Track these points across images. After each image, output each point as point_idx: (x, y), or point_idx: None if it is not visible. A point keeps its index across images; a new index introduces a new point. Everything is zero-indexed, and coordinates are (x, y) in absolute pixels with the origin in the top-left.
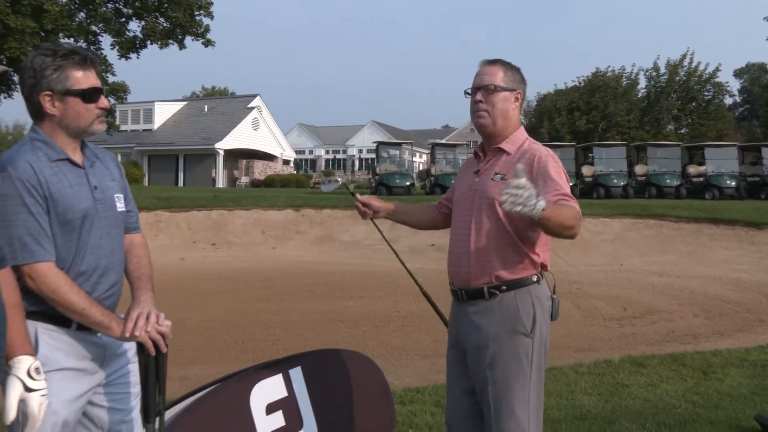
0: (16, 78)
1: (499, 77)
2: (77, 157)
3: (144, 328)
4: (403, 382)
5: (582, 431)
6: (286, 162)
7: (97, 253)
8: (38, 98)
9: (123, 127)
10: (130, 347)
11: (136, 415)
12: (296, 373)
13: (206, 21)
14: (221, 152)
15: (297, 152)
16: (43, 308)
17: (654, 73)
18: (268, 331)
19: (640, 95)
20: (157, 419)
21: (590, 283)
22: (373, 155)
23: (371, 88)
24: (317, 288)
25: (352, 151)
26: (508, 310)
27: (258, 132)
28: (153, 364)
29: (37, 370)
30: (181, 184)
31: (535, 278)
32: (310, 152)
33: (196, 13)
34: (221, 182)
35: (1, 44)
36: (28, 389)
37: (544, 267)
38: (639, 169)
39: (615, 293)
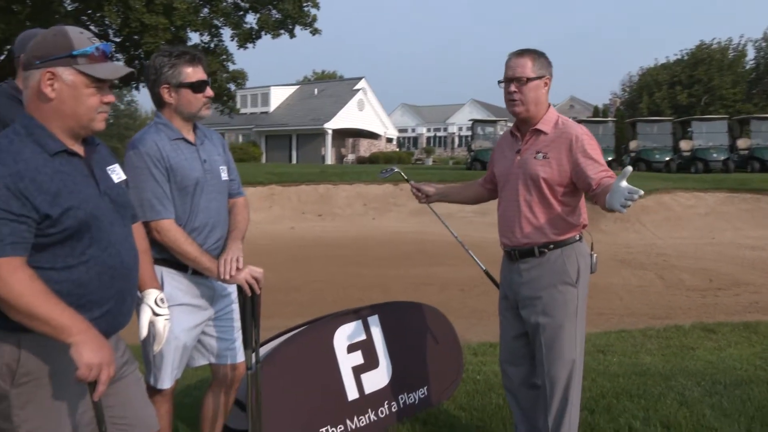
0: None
1: (528, 68)
2: (190, 137)
3: (235, 271)
4: (480, 338)
5: (637, 384)
6: (389, 140)
7: (206, 213)
8: (159, 90)
9: (243, 111)
10: (233, 290)
11: (239, 344)
12: (374, 320)
13: (313, 11)
14: (330, 132)
15: (400, 131)
16: (166, 256)
17: (764, 44)
18: (364, 292)
19: (748, 67)
20: (254, 347)
21: (678, 255)
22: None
23: (472, 67)
24: (411, 255)
25: (453, 129)
26: (555, 265)
27: (363, 112)
28: (249, 303)
29: (162, 300)
30: (294, 161)
31: (577, 237)
32: (413, 130)
33: (305, 4)
34: (330, 159)
35: (139, 40)
36: (155, 314)
37: (584, 227)
38: (742, 143)
39: (702, 266)
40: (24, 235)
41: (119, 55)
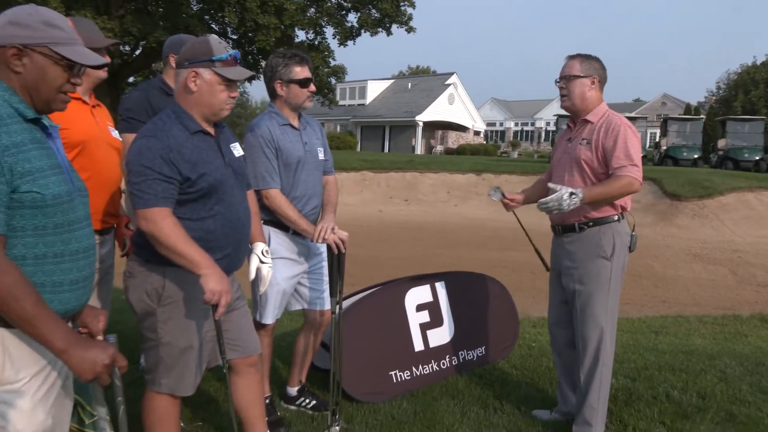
0: (261, 66)
1: (576, 68)
2: (296, 123)
3: (329, 234)
4: (542, 314)
5: (682, 360)
6: (476, 133)
7: (305, 185)
8: (273, 85)
9: (341, 102)
10: (324, 250)
11: (326, 295)
12: (441, 285)
13: (410, 10)
14: (420, 124)
15: (488, 124)
16: (273, 218)
17: None
18: (440, 270)
19: None
20: (338, 297)
21: (755, 253)
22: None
23: (560, 64)
24: (488, 240)
25: (540, 124)
26: (593, 240)
27: (453, 106)
28: (336, 260)
29: (266, 251)
30: (386, 150)
31: (615, 217)
32: (501, 124)
33: (402, 3)
34: (419, 150)
35: (252, 37)
36: (261, 261)
37: (624, 209)
38: None
39: None
40: (171, 192)
41: (236, 51)
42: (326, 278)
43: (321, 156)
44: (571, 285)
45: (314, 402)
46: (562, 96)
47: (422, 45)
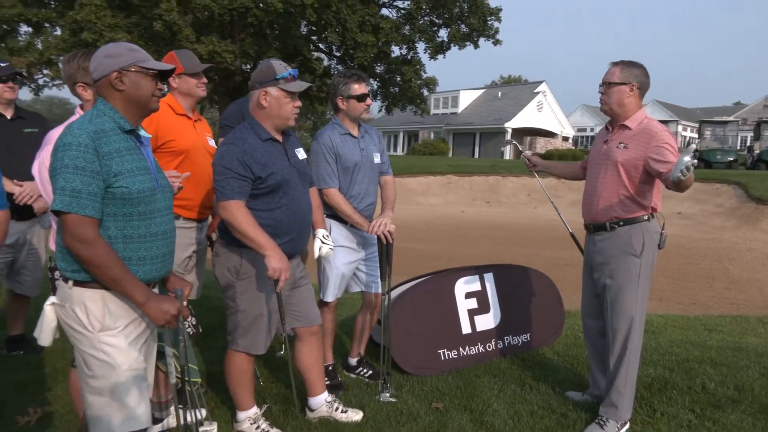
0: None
1: (615, 75)
2: (355, 132)
3: (380, 228)
4: None
5: (726, 356)
6: (565, 138)
7: (361, 185)
8: (335, 100)
9: (434, 111)
10: (376, 241)
11: (378, 279)
12: (489, 276)
13: (496, 24)
14: (509, 130)
15: (579, 130)
16: (333, 213)
17: None
18: None
19: None
20: (387, 280)
21: None
22: None
23: (654, 68)
24: (562, 240)
25: None
26: (623, 238)
27: (541, 113)
28: (385, 249)
29: (326, 235)
30: (476, 156)
31: (645, 217)
32: (591, 130)
33: (488, 18)
34: (508, 155)
35: (353, 55)
36: (323, 243)
37: (654, 209)
38: None
39: None
40: (245, 188)
41: (339, 66)
42: (377, 265)
43: (377, 160)
44: (602, 279)
45: (371, 372)
46: (600, 101)
47: (515, 55)
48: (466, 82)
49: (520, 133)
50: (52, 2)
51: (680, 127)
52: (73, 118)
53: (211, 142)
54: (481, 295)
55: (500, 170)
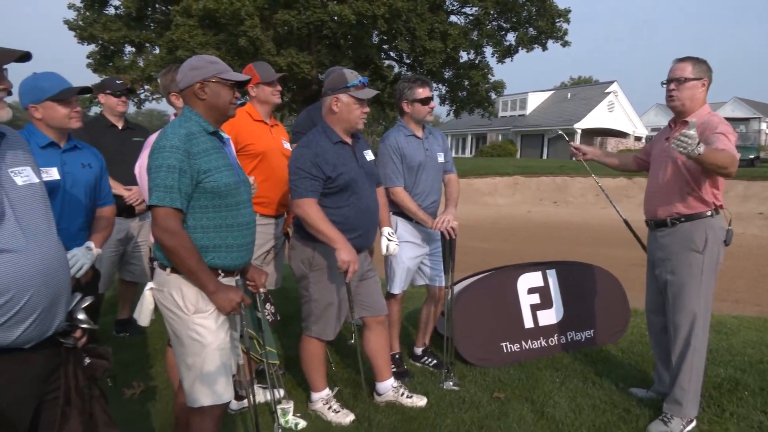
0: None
1: (687, 71)
2: (420, 134)
3: (444, 224)
4: None
5: None
6: (637, 138)
7: (425, 184)
8: (401, 104)
9: (502, 114)
10: (439, 236)
11: (442, 273)
12: (552, 272)
13: (564, 26)
14: (579, 131)
15: (653, 129)
16: (398, 210)
17: None
18: None
19: None
20: (450, 274)
21: None
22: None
23: (734, 65)
24: (632, 241)
25: None
26: (684, 234)
27: (612, 113)
28: (448, 245)
29: (391, 232)
30: (544, 157)
31: (709, 213)
32: None
33: (557, 20)
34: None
35: (422, 61)
36: (388, 239)
37: (718, 206)
38: None
39: None
40: (317, 187)
41: (409, 73)
42: (440, 259)
43: (440, 159)
44: (664, 275)
45: (435, 361)
46: (670, 97)
47: (585, 56)
48: (535, 84)
49: (590, 133)
50: (152, 24)
51: (764, 125)
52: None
53: (287, 145)
54: (543, 291)
55: (568, 171)
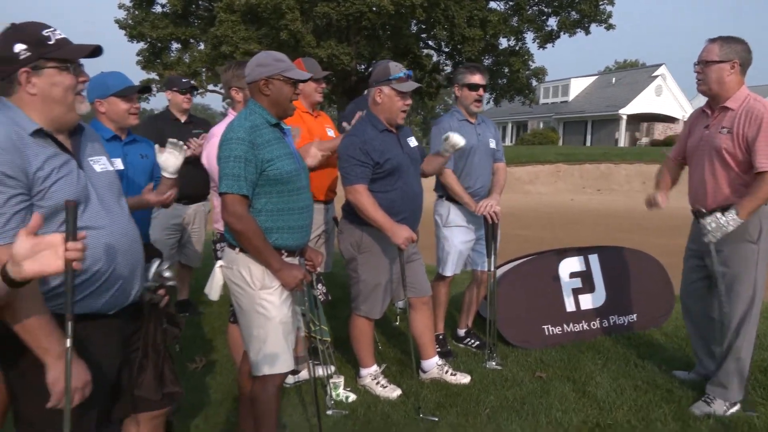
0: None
1: (714, 53)
2: (472, 120)
3: (487, 208)
4: None
5: None
6: None
7: (475, 167)
8: (455, 88)
9: (544, 101)
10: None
11: (485, 257)
12: (594, 258)
13: (609, 8)
14: (624, 117)
15: None
16: (449, 195)
17: None
18: None
19: None
20: (492, 257)
21: None
22: None
23: None
24: (678, 228)
25: None
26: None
27: (660, 97)
28: (491, 229)
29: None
30: (588, 144)
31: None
32: None
33: (600, 3)
34: (623, 142)
35: (460, 49)
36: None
37: None
38: None
39: None
40: (367, 173)
41: (448, 61)
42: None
43: (492, 145)
44: (716, 267)
45: (478, 342)
46: (697, 80)
47: (631, 38)
48: (578, 69)
49: (636, 119)
50: (196, 21)
51: None
52: (228, 118)
53: (330, 132)
54: (585, 275)
55: (612, 157)
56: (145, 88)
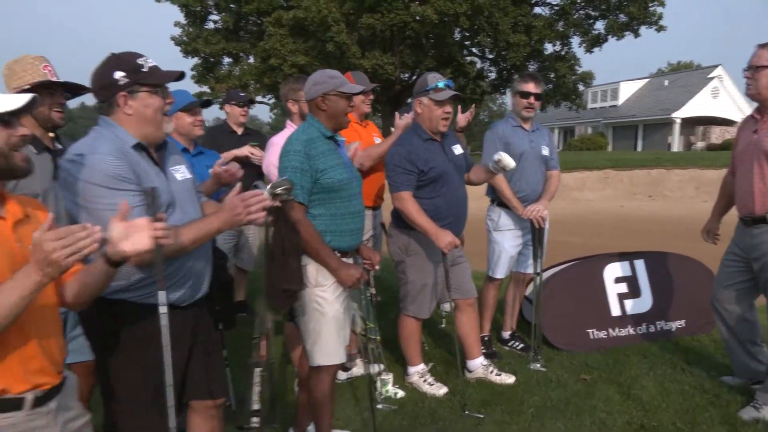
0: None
1: (764, 58)
2: (526, 126)
3: (534, 213)
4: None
5: None
6: None
7: (528, 173)
8: (511, 96)
9: (592, 106)
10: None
11: (530, 261)
12: (639, 263)
13: (659, 10)
14: (678, 120)
15: None
16: (500, 201)
17: None
18: None
19: None
20: (538, 261)
21: None
22: None
23: None
24: (731, 236)
25: None
26: None
27: (717, 100)
28: (537, 233)
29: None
30: (639, 149)
31: None
32: None
33: (650, 4)
34: (676, 147)
35: (505, 55)
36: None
37: None
38: None
39: None
40: (412, 181)
41: (492, 68)
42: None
43: (544, 152)
44: (763, 273)
45: (522, 345)
46: (747, 85)
47: (684, 39)
48: (628, 72)
49: (692, 122)
50: (246, 36)
51: None
52: (288, 130)
53: (377, 140)
54: (631, 280)
55: (664, 163)
56: (205, 102)
